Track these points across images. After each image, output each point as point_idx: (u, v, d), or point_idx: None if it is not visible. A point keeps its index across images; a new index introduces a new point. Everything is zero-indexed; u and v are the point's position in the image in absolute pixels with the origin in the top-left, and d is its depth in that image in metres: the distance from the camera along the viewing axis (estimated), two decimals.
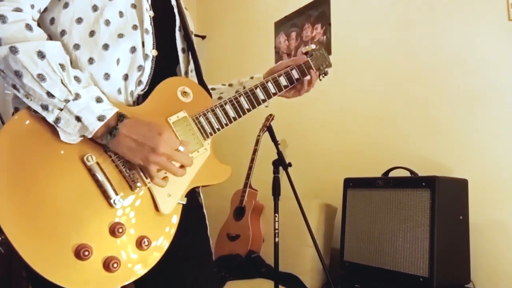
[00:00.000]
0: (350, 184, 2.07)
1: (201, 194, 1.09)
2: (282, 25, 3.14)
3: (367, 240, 1.92)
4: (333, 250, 2.33)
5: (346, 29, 2.67)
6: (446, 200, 1.73)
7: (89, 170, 0.81)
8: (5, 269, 2.39)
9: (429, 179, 1.74)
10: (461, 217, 1.79)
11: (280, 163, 1.92)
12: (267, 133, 2.07)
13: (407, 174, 1.98)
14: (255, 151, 2.71)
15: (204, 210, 1.09)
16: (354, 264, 1.95)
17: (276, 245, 1.84)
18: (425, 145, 2.17)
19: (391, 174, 2.05)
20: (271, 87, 1.16)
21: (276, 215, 1.86)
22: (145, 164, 0.83)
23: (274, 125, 2.19)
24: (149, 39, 0.96)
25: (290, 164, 1.93)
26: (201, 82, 1.09)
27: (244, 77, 1.32)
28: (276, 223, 1.85)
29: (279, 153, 1.94)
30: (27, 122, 0.80)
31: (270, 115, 2.55)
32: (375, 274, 1.85)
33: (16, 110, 0.88)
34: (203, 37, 3.82)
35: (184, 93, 0.99)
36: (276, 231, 1.84)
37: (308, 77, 1.23)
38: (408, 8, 2.33)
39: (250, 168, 2.69)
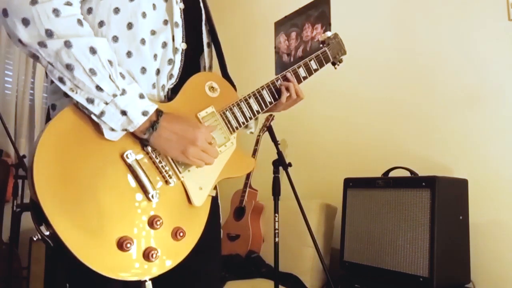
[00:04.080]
0: (350, 184, 2.07)
1: (217, 193, 1.11)
2: (282, 25, 3.14)
3: (367, 240, 1.92)
4: (333, 250, 2.33)
5: (346, 29, 2.67)
6: (446, 200, 1.73)
7: (129, 166, 0.85)
8: (5, 269, 2.39)
9: (429, 179, 1.74)
10: (461, 217, 1.79)
11: (280, 163, 1.92)
12: (267, 133, 2.07)
13: (407, 174, 1.98)
14: (255, 151, 2.71)
15: (219, 201, 1.12)
16: (354, 264, 1.95)
17: (276, 245, 1.84)
18: (425, 145, 2.17)
19: (391, 174, 2.05)
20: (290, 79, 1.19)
21: (276, 215, 1.85)
22: (184, 155, 0.89)
23: (274, 125, 2.19)
24: (179, 33, 1.00)
25: (290, 164, 1.93)
26: (226, 75, 1.13)
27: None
28: (276, 223, 1.84)
29: (279, 153, 1.94)
30: (71, 120, 0.82)
31: (270, 115, 2.55)
32: (375, 274, 1.85)
33: (53, 106, 0.92)
34: None
35: (212, 88, 1.05)
36: (276, 231, 1.84)
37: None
38: (408, 8, 2.33)
39: None
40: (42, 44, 0.77)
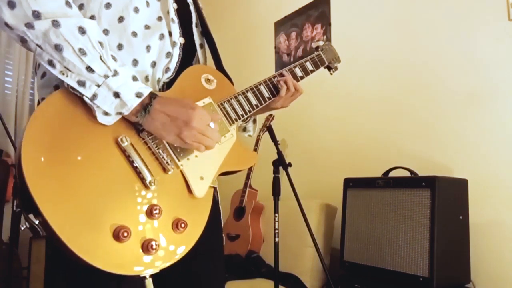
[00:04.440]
0: (350, 184, 2.07)
1: (217, 189, 1.09)
2: (282, 25, 3.14)
3: (367, 240, 1.92)
4: (333, 250, 2.33)
5: (346, 29, 2.67)
6: (446, 200, 1.73)
7: (124, 151, 0.81)
8: (5, 269, 2.39)
9: (429, 179, 1.74)
10: (461, 217, 1.79)
11: (280, 163, 1.92)
12: (267, 133, 2.07)
13: (407, 174, 1.98)
14: (255, 151, 2.71)
15: (220, 206, 1.10)
16: (354, 264, 1.96)
17: (276, 245, 1.84)
18: (425, 145, 2.17)
19: (391, 174, 2.05)
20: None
21: (276, 215, 1.86)
22: (180, 138, 0.84)
23: (274, 125, 2.19)
24: (176, 28, 0.99)
25: (290, 164, 1.93)
26: (223, 72, 1.11)
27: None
28: (276, 223, 1.85)
29: (279, 153, 1.94)
30: (60, 104, 0.78)
31: (270, 115, 2.55)
32: (375, 274, 1.85)
33: (43, 100, 0.88)
34: None
35: (208, 80, 1.02)
36: (276, 231, 1.84)
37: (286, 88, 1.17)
38: (408, 8, 2.33)
39: (250, 168, 2.69)
40: (29, 26, 0.74)
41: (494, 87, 1.94)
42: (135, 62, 0.92)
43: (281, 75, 1.17)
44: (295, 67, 1.22)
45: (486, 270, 1.86)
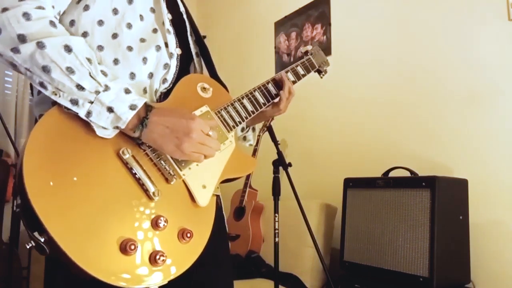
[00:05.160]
0: (350, 184, 2.07)
1: (220, 196, 1.08)
2: (282, 25, 3.14)
3: (367, 240, 1.92)
4: (333, 250, 2.33)
5: (346, 29, 2.67)
6: (446, 200, 1.73)
7: (126, 163, 0.81)
8: (5, 269, 2.39)
9: (429, 179, 1.74)
10: (461, 217, 1.79)
11: (280, 163, 1.92)
12: (267, 133, 2.07)
13: (407, 174, 1.98)
14: (255, 151, 2.71)
15: (223, 212, 1.10)
16: (354, 264, 1.96)
17: (276, 245, 1.84)
18: (425, 145, 2.17)
19: (391, 174, 2.05)
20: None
21: (276, 215, 1.86)
22: (179, 149, 0.83)
23: (274, 125, 2.19)
24: (172, 39, 0.99)
25: (290, 164, 1.93)
26: (217, 79, 1.12)
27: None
28: (276, 223, 1.85)
29: (279, 153, 1.94)
30: (59, 119, 0.78)
31: None
32: (375, 274, 1.85)
33: (41, 117, 0.86)
34: (203, 37, 3.82)
35: (204, 89, 1.03)
36: (276, 231, 1.84)
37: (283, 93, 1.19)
38: (408, 8, 2.33)
39: None
40: (15, 50, 0.74)
41: (494, 87, 1.94)
42: (132, 76, 0.91)
43: (275, 80, 1.18)
44: (287, 72, 1.23)
45: (486, 270, 1.86)
